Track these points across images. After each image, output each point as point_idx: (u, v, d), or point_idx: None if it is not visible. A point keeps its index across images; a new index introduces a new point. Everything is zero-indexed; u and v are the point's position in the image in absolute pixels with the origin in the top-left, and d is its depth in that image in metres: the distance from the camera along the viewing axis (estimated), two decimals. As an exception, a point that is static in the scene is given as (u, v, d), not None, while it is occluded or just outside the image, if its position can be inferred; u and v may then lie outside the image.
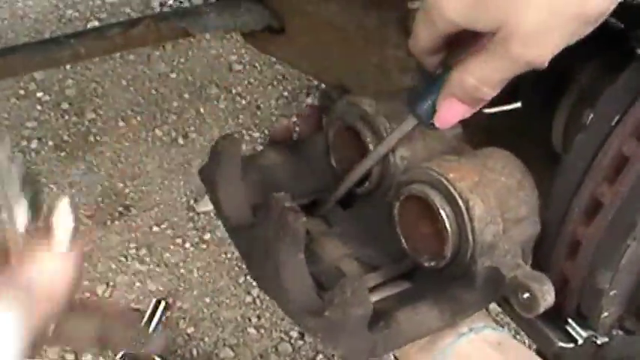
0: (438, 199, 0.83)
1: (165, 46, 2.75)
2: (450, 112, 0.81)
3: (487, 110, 0.85)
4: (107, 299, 2.10)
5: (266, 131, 2.50)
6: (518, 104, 0.91)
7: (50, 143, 2.48)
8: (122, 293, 2.12)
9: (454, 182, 0.82)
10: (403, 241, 0.88)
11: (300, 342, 2.02)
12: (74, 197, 2.32)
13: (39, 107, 2.59)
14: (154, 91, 2.64)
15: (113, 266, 2.18)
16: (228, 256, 2.19)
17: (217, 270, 2.17)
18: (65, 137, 2.50)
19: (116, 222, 2.28)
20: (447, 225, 0.83)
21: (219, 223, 2.19)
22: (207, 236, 2.24)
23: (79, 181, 2.38)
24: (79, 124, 2.54)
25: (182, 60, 2.72)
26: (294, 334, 2.03)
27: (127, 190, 2.36)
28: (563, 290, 0.92)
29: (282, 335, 2.03)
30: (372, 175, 0.93)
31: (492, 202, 0.83)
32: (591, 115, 0.89)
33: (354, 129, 0.93)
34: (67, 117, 2.56)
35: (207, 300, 2.11)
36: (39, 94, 2.63)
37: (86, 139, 2.49)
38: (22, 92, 2.63)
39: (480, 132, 0.97)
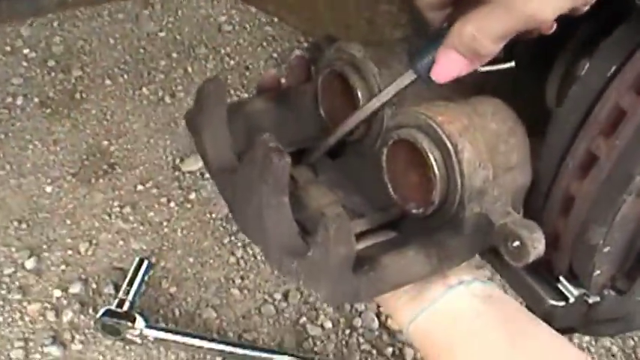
0: (426, 143, 0.81)
1: (155, 5, 2.73)
2: (448, 65, 0.79)
3: (481, 68, 0.83)
4: (90, 257, 2.08)
5: (254, 92, 2.47)
6: (512, 64, 0.89)
7: (36, 100, 2.46)
8: (105, 252, 2.10)
9: (443, 125, 0.80)
10: (390, 188, 0.87)
11: (284, 304, 2.00)
12: (58, 155, 2.30)
13: (25, 64, 2.56)
14: (141, 50, 2.61)
15: (96, 224, 2.15)
16: (213, 216, 2.17)
17: (202, 230, 2.15)
18: (51, 94, 2.47)
19: (100, 180, 2.25)
20: (436, 169, 0.81)
21: (205, 182, 2.21)
22: (192, 196, 2.21)
23: (63, 139, 2.35)
24: (65, 81, 2.51)
25: (171, 19, 2.69)
26: (278, 296, 2.01)
27: (112, 149, 2.33)
28: (555, 247, 0.90)
29: (266, 297, 2.02)
30: (360, 123, 0.91)
31: (482, 147, 0.82)
32: (587, 66, 0.87)
33: (343, 75, 0.91)
34: (53, 74, 2.53)
35: (191, 260, 2.09)
36: (25, 51, 2.60)
37: (72, 97, 2.47)
38: (8, 49, 2.60)
39: (472, 90, 0.95)
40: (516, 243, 0.79)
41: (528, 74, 1.05)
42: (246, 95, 2.48)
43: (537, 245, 0.79)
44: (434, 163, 0.81)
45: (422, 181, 0.84)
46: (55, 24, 2.65)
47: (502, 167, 0.83)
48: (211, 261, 2.09)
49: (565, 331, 0.93)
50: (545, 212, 0.90)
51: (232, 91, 2.47)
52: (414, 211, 0.85)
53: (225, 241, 2.12)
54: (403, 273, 0.81)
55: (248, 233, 0.86)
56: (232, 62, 2.57)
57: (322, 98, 0.96)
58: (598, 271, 0.89)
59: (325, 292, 0.78)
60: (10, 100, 2.44)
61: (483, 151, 0.81)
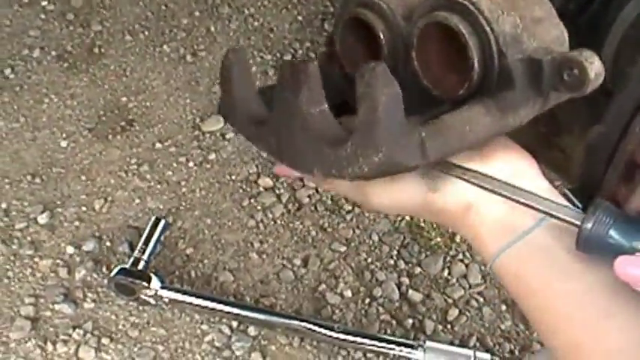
0: (448, 16, 0.77)
1: (179, -37, 2.66)
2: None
3: None
4: (104, 215, 2.03)
5: (278, 54, 2.41)
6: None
7: (53, 53, 2.40)
8: (120, 210, 2.05)
9: None
10: (426, 81, 0.82)
11: (303, 270, 1.95)
12: (75, 109, 2.25)
13: (43, 16, 2.50)
14: (163, 7, 2.55)
15: (112, 181, 2.10)
16: (233, 177, 2.12)
17: (221, 191, 2.10)
18: (69, 48, 2.42)
19: (118, 137, 2.20)
20: (462, 30, 0.76)
21: (225, 143, 2.16)
22: (212, 156, 2.16)
23: (80, 93, 2.30)
24: (83, 35, 2.46)
25: (195, -23, 2.63)
26: (297, 261, 1.96)
27: (130, 105, 2.28)
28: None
29: (285, 262, 1.97)
30: None
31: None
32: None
33: (362, 19, 0.86)
34: (71, 27, 2.48)
35: (209, 221, 2.04)
36: (43, 3, 2.54)
37: (90, 51, 2.41)
38: (26, 0, 2.53)
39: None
40: (573, 71, 0.73)
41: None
42: (269, 57, 2.42)
43: (596, 65, 0.72)
44: (461, 27, 0.76)
45: (456, 59, 0.78)
46: (76, -24, 2.58)
47: (528, 18, 0.78)
48: (230, 223, 2.04)
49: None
50: (605, 180, 0.84)
51: (255, 53, 2.41)
52: (460, 92, 0.79)
53: (245, 203, 2.07)
54: (467, 126, 0.74)
55: (299, 164, 0.80)
56: (256, 23, 2.51)
57: (344, 55, 0.91)
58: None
59: (386, 150, 0.69)
60: (26, 52, 2.39)
61: (502, 2, 0.77)
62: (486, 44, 0.75)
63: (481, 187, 0.76)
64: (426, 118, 0.76)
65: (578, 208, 0.76)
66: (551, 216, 0.72)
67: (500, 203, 0.77)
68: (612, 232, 0.67)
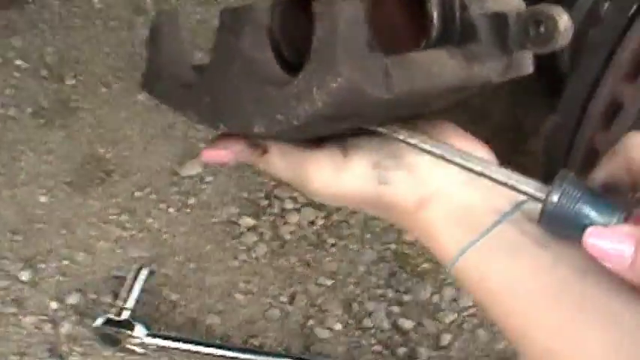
0: None
1: (148, 12, 2.67)
2: (610, 253, 0.61)
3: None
4: (87, 267, 2.01)
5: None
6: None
7: (29, 110, 2.39)
8: (103, 260, 2.03)
9: None
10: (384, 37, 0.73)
11: (290, 307, 1.93)
12: (53, 164, 2.24)
13: (17, 74, 2.50)
14: (136, 57, 2.54)
15: (93, 233, 2.08)
16: (214, 220, 2.10)
17: (202, 235, 2.08)
18: (44, 104, 2.41)
19: (97, 188, 2.19)
20: None
21: (204, 187, 2.14)
22: (191, 200, 2.15)
23: (58, 148, 2.29)
24: (58, 90, 2.45)
25: (165, 25, 2.62)
26: (284, 299, 1.94)
27: (108, 156, 2.27)
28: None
29: (271, 300, 1.94)
30: None
31: None
32: (606, 6, 0.80)
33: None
34: (46, 83, 2.47)
35: (192, 265, 2.02)
36: (17, 62, 2.53)
37: (66, 106, 2.40)
38: (0, 60, 2.54)
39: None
40: (540, 26, 0.67)
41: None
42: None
43: (565, 19, 0.66)
44: None
45: (412, 17, 0.73)
46: (48, 34, 2.59)
47: None
48: (213, 266, 2.02)
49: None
50: (567, 166, 0.83)
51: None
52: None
53: (227, 245, 2.05)
54: (434, 66, 0.67)
55: (237, 121, 0.71)
56: (229, 65, 2.51)
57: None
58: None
59: (347, 73, 0.61)
60: (2, 110, 2.38)
61: None
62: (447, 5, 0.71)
63: (429, 152, 0.70)
64: None
65: None
66: (512, 188, 0.67)
67: (456, 198, 0.71)
68: (581, 206, 0.61)
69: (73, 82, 2.47)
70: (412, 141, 0.70)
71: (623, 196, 0.65)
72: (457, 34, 0.71)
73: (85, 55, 2.55)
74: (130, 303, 1.83)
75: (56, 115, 2.38)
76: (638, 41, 0.76)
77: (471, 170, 0.68)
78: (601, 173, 0.66)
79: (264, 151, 0.76)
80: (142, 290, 1.89)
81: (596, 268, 0.62)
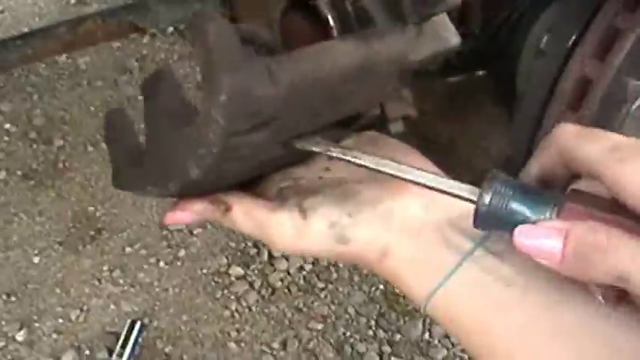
0: None
1: (132, 70, 2.71)
2: (540, 247, 0.60)
3: (451, 79, 0.78)
4: (81, 324, 2.03)
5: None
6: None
7: (19, 173, 2.43)
8: (97, 317, 2.05)
9: None
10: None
11: (283, 353, 1.95)
12: (45, 225, 2.26)
13: (6, 138, 2.53)
14: (122, 115, 2.58)
15: (87, 290, 2.11)
16: (204, 271, 2.13)
17: (193, 286, 2.10)
18: (34, 166, 2.44)
19: (88, 246, 2.21)
20: None
21: (194, 239, 2.16)
22: (181, 253, 2.17)
23: (48, 209, 2.32)
24: (47, 152, 2.48)
25: (150, 82, 2.67)
26: (276, 345, 1.96)
27: (98, 214, 2.29)
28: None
29: (264, 347, 1.96)
30: None
31: None
32: (545, 38, 0.83)
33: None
34: (35, 146, 2.50)
35: (185, 317, 2.04)
36: (6, 126, 2.57)
37: (55, 167, 2.44)
38: (-13, 125, 2.58)
39: (441, 98, 0.92)
40: None
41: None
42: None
43: None
44: None
45: (319, 32, 0.73)
46: (35, 97, 2.63)
47: None
48: (205, 317, 2.04)
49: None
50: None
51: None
52: None
53: (218, 295, 2.08)
54: (323, 53, 0.66)
55: (179, 175, 0.68)
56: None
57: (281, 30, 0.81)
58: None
59: (227, 82, 0.60)
60: (-8, 175, 2.42)
61: None
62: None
63: (358, 165, 0.68)
64: None
65: None
66: (444, 192, 0.65)
67: (418, 242, 0.71)
68: (513, 205, 0.60)
69: (62, 142, 2.50)
70: (345, 157, 0.69)
71: (558, 188, 0.64)
72: (356, 25, 0.70)
73: (72, 115, 2.59)
74: (125, 358, 1.85)
75: (46, 176, 2.41)
76: (578, 71, 0.80)
77: (403, 179, 0.67)
78: (535, 166, 0.65)
79: (227, 209, 0.75)
80: (137, 344, 1.91)
81: (570, 294, 0.63)
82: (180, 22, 1.53)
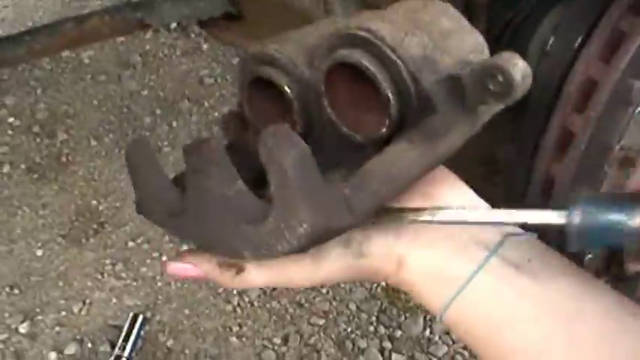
0: (350, 53, 0.70)
1: (136, 65, 2.72)
2: None
3: None
4: (84, 317, 2.04)
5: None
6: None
7: (22, 166, 2.44)
8: (99, 310, 2.06)
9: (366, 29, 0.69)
10: (344, 127, 0.74)
11: (284, 348, 1.96)
12: (48, 218, 2.27)
13: (10, 132, 2.54)
14: (125, 110, 2.59)
15: (89, 284, 2.12)
16: (207, 266, 2.14)
17: (195, 281, 2.11)
18: (37, 159, 2.45)
19: (91, 240, 2.22)
20: (366, 64, 0.69)
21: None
22: (184, 248, 2.18)
23: (52, 202, 2.33)
24: (50, 145, 2.50)
25: (153, 77, 2.68)
26: (277, 340, 1.97)
27: (100, 208, 2.31)
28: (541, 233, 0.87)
29: (265, 342, 1.97)
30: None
31: (400, 20, 0.71)
32: (551, 40, 0.84)
33: (265, 77, 0.77)
34: (38, 139, 2.52)
35: (187, 312, 2.05)
36: (10, 120, 2.58)
37: (58, 160, 2.45)
38: (-9, 119, 2.59)
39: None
40: (497, 78, 0.64)
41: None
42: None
43: (520, 66, 0.64)
44: (365, 62, 0.69)
45: (371, 96, 0.71)
46: (39, 91, 2.64)
47: (437, 33, 0.71)
48: (207, 311, 2.05)
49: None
50: (527, 198, 0.87)
51: (219, 142, 2.45)
52: (383, 131, 0.71)
53: (220, 290, 2.09)
54: (393, 168, 0.65)
55: (228, 249, 0.70)
56: (216, 113, 2.56)
57: (249, 109, 0.81)
58: (590, 255, 0.86)
59: (309, 218, 0.61)
60: (-4, 168, 2.43)
61: (403, 23, 0.71)
62: (396, 73, 0.68)
63: (442, 222, 0.68)
64: (349, 168, 0.69)
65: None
66: (532, 225, 0.65)
67: (432, 252, 0.70)
68: (609, 216, 0.60)
69: (65, 136, 2.51)
70: (421, 218, 0.68)
71: None
72: (415, 107, 0.69)
73: (75, 109, 2.60)
74: (127, 351, 1.86)
75: (49, 169, 2.42)
76: (584, 73, 0.81)
77: (489, 224, 0.67)
78: None
79: (239, 271, 0.73)
80: (139, 338, 1.92)
81: (586, 306, 0.65)
82: (186, 18, 1.53)
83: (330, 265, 0.71)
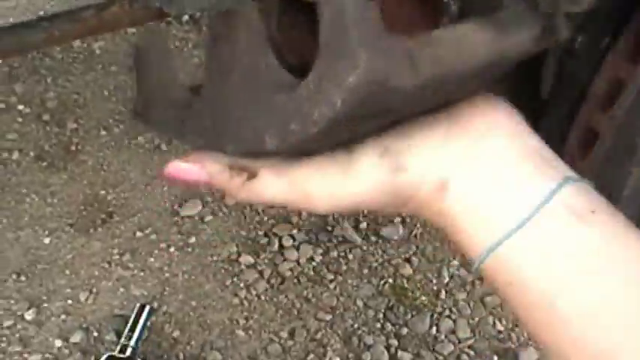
0: None
1: (147, 56, 2.71)
2: None
3: None
4: (90, 306, 2.04)
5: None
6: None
7: (31, 154, 2.43)
8: (106, 299, 2.06)
9: None
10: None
11: (290, 342, 1.96)
12: (56, 206, 2.28)
13: (20, 119, 2.54)
14: (136, 100, 2.59)
15: (96, 273, 2.12)
16: (214, 258, 2.14)
17: (203, 273, 2.11)
18: (46, 148, 2.45)
19: (99, 229, 2.22)
20: None
21: (205, 226, 2.17)
22: (192, 240, 2.18)
23: (60, 190, 2.32)
24: (60, 134, 2.49)
25: (164, 69, 2.68)
26: (284, 334, 1.98)
27: (109, 198, 2.31)
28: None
29: (272, 336, 1.98)
30: None
31: None
32: (579, 39, 0.84)
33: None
34: (48, 128, 2.51)
35: (194, 303, 2.05)
36: (20, 107, 2.58)
37: (67, 149, 2.45)
38: (2, 106, 2.58)
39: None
40: None
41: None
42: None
43: None
44: None
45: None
46: (49, 79, 2.64)
47: None
48: (214, 303, 2.05)
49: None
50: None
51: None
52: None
53: (228, 282, 2.09)
54: (462, 41, 0.56)
55: (245, 138, 0.60)
56: (227, 107, 2.55)
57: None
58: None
59: (367, 60, 0.50)
60: (5, 155, 2.42)
61: None
62: None
63: None
64: None
65: None
66: None
67: (483, 181, 0.59)
68: None
69: (75, 126, 2.51)
70: None
71: None
72: (479, 5, 0.62)
73: (85, 99, 2.60)
74: (133, 341, 1.86)
75: (58, 158, 2.42)
76: (611, 73, 0.81)
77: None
78: None
79: (252, 176, 0.64)
80: (145, 328, 1.92)
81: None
82: (206, 9, 1.53)
83: (360, 178, 0.61)
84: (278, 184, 0.63)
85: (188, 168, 0.65)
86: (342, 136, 0.59)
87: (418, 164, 0.60)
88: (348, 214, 0.55)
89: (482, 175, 0.59)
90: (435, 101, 0.60)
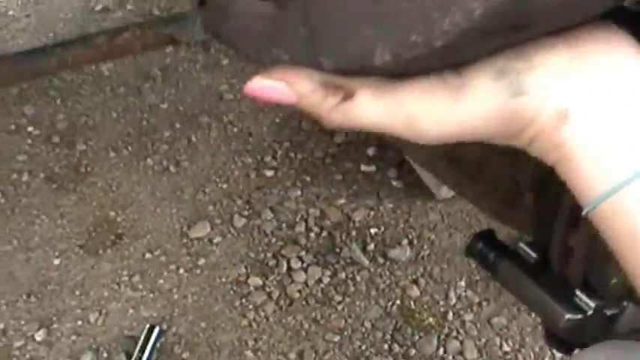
0: None
1: (156, 78, 2.74)
2: None
3: None
4: (100, 327, 2.06)
5: (258, 156, 2.47)
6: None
7: (41, 175, 2.46)
8: (115, 321, 2.08)
9: None
10: None
11: (299, 363, 1.98)
12: (66, 228, 2.29)
13: (29, 141, 2.57)
14: (144, 122, 2.61)
15: (106, 294, 2.14)
16: (223, 280, 2.15)
17: (212, 294, 2.13)
18: (56, 169, 2.48)
19: (108, 250, 2.24)
20: None
21: (214, 248, 2.19)
22: (201, 261, 2.20)
23: (70, 212, 2.35)
24: (69, 156, 2.52)
25: (172, 91, 2.70)
26: (293, 355, 1.99)
27: (118, 219, 2.32)
28: (567, 260, 0.88)
29: (280, 357, 1.99)
30: None
31: None
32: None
33: None
34: (57, 150, 2.54)
35: (203, 325, 2.07)
36: (29, 129, 2.61)
37: (77, 171, 2.47)
38: (12, 127, 2.61)
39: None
40: None
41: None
42: (250, 160, 2.47)
43: None
44: None
45: None
46: (59, 101, 2.66)
47: None
48: (223, 325, 2.07)
49: (585, 344, 0.91)
50: (555, 222, 0.89)
51: (236, 157, 2.47)
52: None
53: (237, 304, 2.10)
54: None
55: (354, 46, 0.51)
56: (235, 129, 2.57)
57: None
58: (614, 280, 0.87)
59: None
60: (15, 176, 2.44)
61: None
62: None
63: None
64: None
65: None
66: None
67: (612, 112, 0.53)
68: None
69: (84, 147, 2.54)
70: None
71: None
72: None
73: (94, 121, 2.62)
74: (143, 362, 1.88)
75: (68, 180, 2.44)
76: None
77: None
78: None
79: (347, 96, 0.56)
80: (154, 349, 1.93)
81: None
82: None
83: (473, 99, 0.54)
84: (379, 107, 0.55)
85: (273, 85, 0.56)
86: (461, 57, 0.52)
87: (540, 87, 0.54)
88: (454, 141, 0.50)
89: (609, 109, 0.53)
90: (569, 17, 0.52)
